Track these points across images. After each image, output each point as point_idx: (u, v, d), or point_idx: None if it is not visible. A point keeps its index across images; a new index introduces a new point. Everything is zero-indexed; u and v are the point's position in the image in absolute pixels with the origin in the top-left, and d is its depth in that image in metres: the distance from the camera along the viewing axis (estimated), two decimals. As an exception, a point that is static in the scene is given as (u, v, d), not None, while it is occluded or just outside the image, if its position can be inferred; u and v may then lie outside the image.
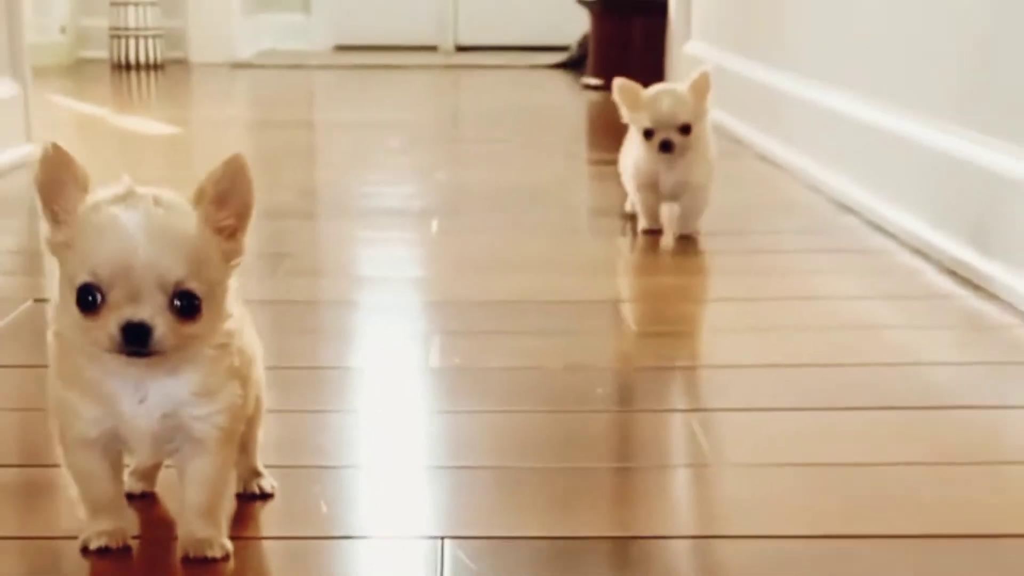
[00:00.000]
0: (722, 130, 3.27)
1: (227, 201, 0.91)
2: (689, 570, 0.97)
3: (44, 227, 0.91)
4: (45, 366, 0.97)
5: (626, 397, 1.37)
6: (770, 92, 2.90)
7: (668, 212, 2.14)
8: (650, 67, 4.17)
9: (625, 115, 2.08)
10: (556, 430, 1.24)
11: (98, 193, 0.90)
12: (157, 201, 0.89)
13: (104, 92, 4.40)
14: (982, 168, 1.78)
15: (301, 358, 1.45)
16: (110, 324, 0.87)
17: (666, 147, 2.01)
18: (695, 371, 1.44)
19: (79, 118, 3.76)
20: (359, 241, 2.13)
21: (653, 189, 2.08)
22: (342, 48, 5.77)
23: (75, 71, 5.00)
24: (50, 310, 0.93)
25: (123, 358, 0.89)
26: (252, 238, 0.94)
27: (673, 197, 2.10)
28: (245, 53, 5.38)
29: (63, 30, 5.23)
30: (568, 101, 4.23)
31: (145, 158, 3.04)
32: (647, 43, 4.21)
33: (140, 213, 0.88)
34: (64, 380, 0.93)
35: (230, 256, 0.92)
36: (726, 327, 1.64)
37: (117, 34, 5.10)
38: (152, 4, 5.12)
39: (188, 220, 0.90)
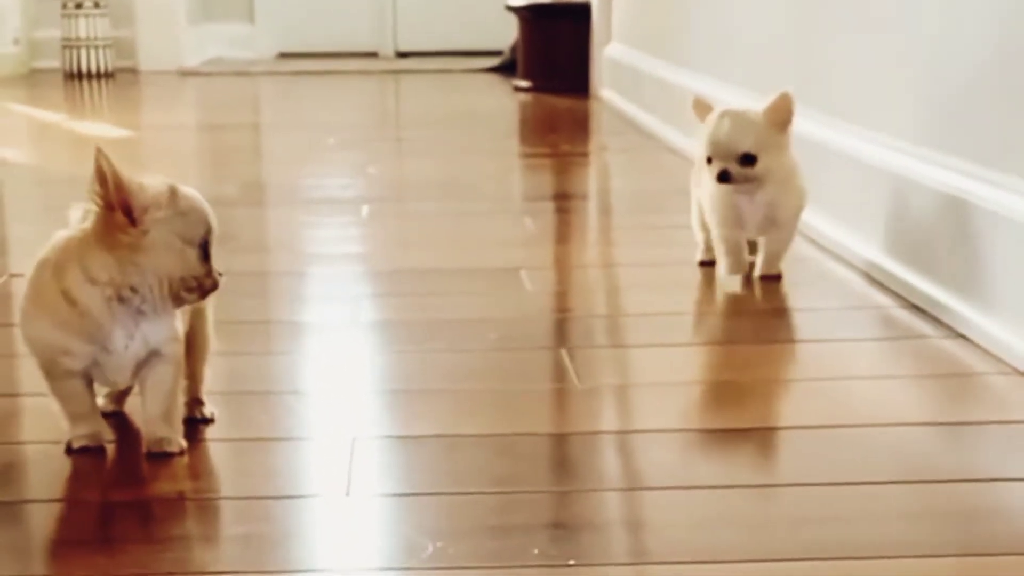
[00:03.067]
0: (636, 125, 3.56)
1: None
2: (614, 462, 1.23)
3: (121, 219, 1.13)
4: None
5: (519, 339, 1.62)
6: (678, 90, 3.17)
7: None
8: (576, 70, 4.45)
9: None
10: (467, 364, 1.51)
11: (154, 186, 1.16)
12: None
13: (58, 100, 4.61)
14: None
15: (250, 314, 1.71)
16: (215, 272, 1.19)
17: (723, 178, 1.75)
18: (577, 317, 1.71)
19: (37, 124, 3.99)
20: (296, 224, 2.38)
21: (737, 226, 1.81)
22: (286, 55, 6.00)
23: (29, 80, 5.22)
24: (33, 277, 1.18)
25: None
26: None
27: (759, 233, 1.83)
28: (192, 61, 5.61)
29: (16, 41, 5.44)
30: (500, 102, 4.48)
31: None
32: (573, 47, 4.48)
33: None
34: (56, 327, 1.16)
35: None
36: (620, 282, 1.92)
37: (69, 44, 5.31)
38: (102, 15, 5.34)
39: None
